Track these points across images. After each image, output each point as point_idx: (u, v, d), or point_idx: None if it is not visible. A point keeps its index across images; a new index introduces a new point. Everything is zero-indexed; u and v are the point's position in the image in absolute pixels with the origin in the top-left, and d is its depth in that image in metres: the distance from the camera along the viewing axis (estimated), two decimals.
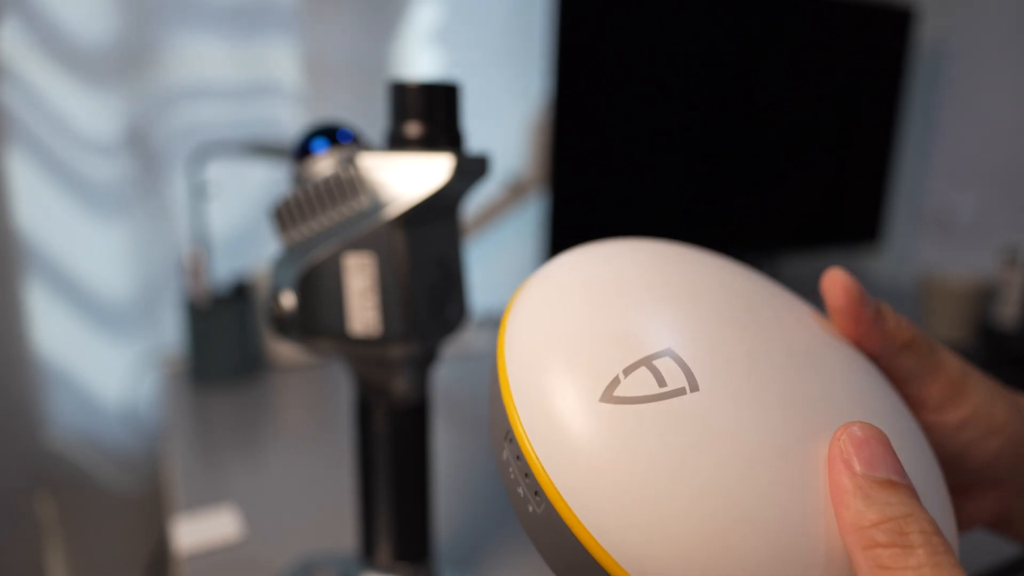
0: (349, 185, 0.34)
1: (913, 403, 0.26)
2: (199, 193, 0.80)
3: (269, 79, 0.94)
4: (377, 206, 0.33)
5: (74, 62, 0.83)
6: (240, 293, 0.81)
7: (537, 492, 0.19)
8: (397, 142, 0.34)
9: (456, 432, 0.69)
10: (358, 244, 0.33)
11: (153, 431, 0.93)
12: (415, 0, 1.01)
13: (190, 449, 0.64)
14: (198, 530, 0.51)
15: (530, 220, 1.15)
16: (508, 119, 1.10)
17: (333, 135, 0.36)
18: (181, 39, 0.88)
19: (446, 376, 0.84)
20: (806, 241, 1.26)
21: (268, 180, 0.96)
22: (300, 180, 0.36)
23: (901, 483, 0.18)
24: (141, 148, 0.87)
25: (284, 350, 0.86)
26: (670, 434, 0.18)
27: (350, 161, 0.34)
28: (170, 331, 0.93)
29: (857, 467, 0.18)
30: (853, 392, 0.21)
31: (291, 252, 0.36)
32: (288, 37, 0.93)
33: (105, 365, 0.91)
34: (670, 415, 0.18)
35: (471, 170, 0.35)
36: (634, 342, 0.20)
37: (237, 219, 0.96)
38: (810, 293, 1.34)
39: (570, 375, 0.20)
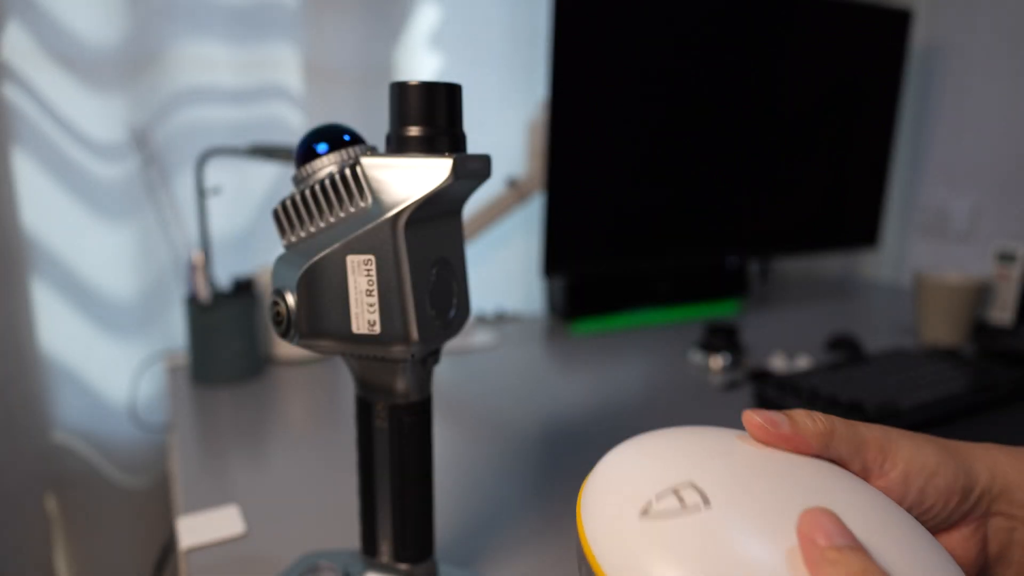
0: (350, 186, 0.34)
1: (864, 476, 0.31)
2: (203, 194, 0.81)
3: (272, 82, 0.94)
4: (378, 207, 0.33)
5: (80, 65, 0.84)
6: (244, 292, 0.81)
7: None
8: (399, 143, 0.34)
9: (456, 430, 0.70)
10: (359, 245, 0.33)
11: (159, 429, 0.94)
12: (417, 4, 1.01)
13: (195, 446, 0.65)
14: (202, 527, 0.51)
15: (531, 221, 1.16)
16: (510, 120, 1.11)
17: (335, 137, 0.37)
18: (185, 43, 0.88)
19: (446, 375, 0.85)
20: (805, 245, 1.26)
21: (271, 182, 0.97)
22: (302, 182, 0.36)
23: (854, 546, 0.24)
24: (146, 150, 0.88)
25: (287, 347, 0.87)
26: (688, 538, 0.26)
27: (352, 162, 0.34)
28: (175, 330, 0.94)
29: (820, 541, 0.24)
30: (826, 493, 0.28)
31: (293, 253, 0.36)
32: (291, 41, 0.94)
33: (111, 364, 0.92)
34: (688, 525, 0.27)
35: (472, 171, 0.35)
36: (666, 479, 0.29)
37: (241, 220, 0.97)
38: (807, 296, 1.35)
39: (619, 502, 0.29)
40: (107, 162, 0.87)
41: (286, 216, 0.36)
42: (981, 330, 1.04)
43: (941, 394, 0.73)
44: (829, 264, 1.55)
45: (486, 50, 1.08)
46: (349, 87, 0.98)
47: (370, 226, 0.33)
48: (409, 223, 0.33)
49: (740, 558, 0.25)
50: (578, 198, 1.00)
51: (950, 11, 1.33)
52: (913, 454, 0.31)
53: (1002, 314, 1.06)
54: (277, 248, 1.00)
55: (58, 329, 0.89)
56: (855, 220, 1.31)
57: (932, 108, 1.38)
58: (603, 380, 0.84)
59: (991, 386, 0.76)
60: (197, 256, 0.77)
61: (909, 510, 0.31)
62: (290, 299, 0.35)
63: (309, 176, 0.36)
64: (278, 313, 0.35)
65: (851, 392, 0.72)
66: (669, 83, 1.04)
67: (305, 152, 0.36)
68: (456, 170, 0.33)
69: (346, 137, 0.37)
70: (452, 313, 0.37)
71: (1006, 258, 1.06)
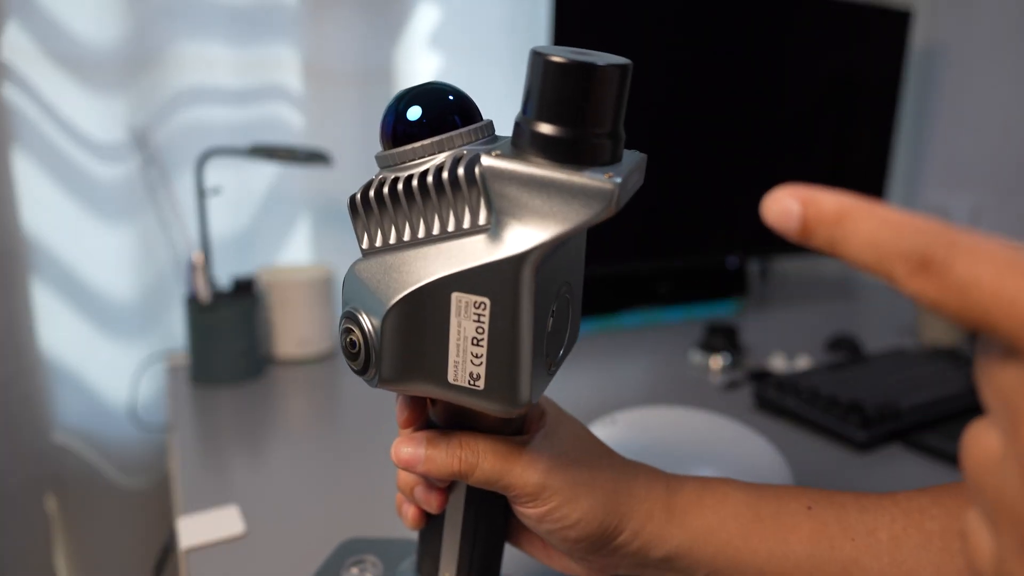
0: (463, 193, 0.25)
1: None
2: (204, 194, 0.81)
3: (272, 83, 0.94)
4: (500, 229, 0.25)
5: (80, 66, 0.84)
6: (244, 292, 0.81)
7: None
8: (536, 142, 0.25)
9: None
10: (472, 283, 0.25)
11: (159, 429, 0.94)
12: (417, 4, 1.01)
13: (195, 447, 0.65)
14: (202, 527, 0.51)
15: None
16: (510, 121, 1.10)
17: (439, 111, 0.26)
18: (185, 43, 0.88)
19: None
20: (805, 245, 1.26)
21: (272, 182, 0.97)
22: (393, 166, 0.27)
23: None
24: (146, 150, 0.88)
25: (287, 347, 0.86)
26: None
27: (469, 162, 0.25)
28: (175, 330, 0.94)
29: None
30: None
31: (375, 263, 0.28)
32: (291, 41, 0.94)
33: (111, 365, 0.92)
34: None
35: (632, 189, 0.26)
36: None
37: (241, 220, 0.96)
38: (807, 296, 1.35)
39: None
40: (107, 162, 0.87)
41: (367, 208, 0.27)
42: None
43: (941, 394, 0.73)
44: (829, 264, 1.55)
45: (486, 50, 1.07)
46: (349, 87, 0.98)
47: (489, 260, 0.25)
48: (541, 261, 0.25)
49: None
50: None
51: (950, 11, 1.33)
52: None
53: None
54: (278, 248, 1.00)
55: (58, 329, 0.89)
56: None
57: (932, 108, 1.38)
58: (603, 380, 0.84)
59: None
60: (197, 256, 0.78)
61: None
62: (368, 327, 0.27)
63: (404, 163, 0.27)
64: (352, 343, 0.27)
65: (851, 392, 0.73)
66: (668, 83, 1.04)
67: (401, 125, 0.27)
68: (619, 200, 0.24)
69: (461, 112, 0.27)
70: (562, 353, 0.31)
71: None
